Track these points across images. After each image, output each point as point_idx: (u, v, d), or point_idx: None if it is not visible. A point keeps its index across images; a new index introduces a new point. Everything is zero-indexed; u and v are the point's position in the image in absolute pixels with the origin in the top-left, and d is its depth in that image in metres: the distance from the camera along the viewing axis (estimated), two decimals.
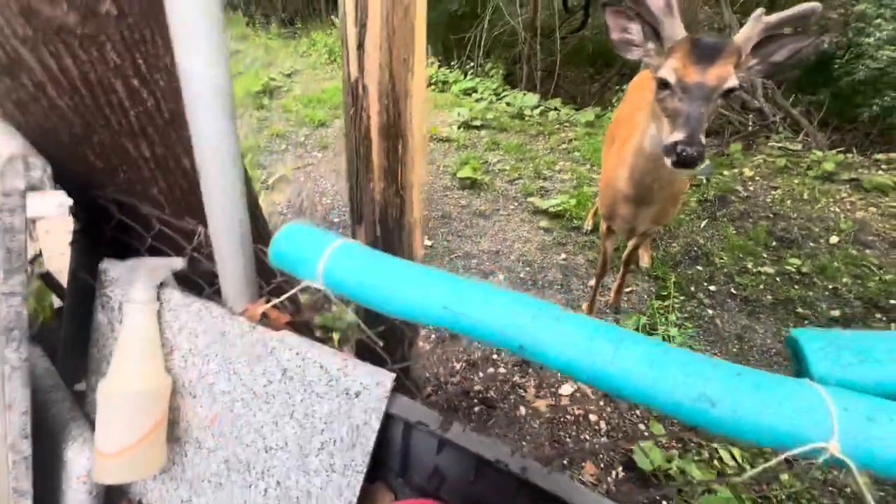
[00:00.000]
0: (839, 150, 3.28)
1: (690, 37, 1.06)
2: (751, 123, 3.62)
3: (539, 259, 2.49)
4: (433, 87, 4.65)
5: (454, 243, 2.62)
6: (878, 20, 3.93)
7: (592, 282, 2.12)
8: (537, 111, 4.14)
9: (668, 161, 1.03)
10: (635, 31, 1.15)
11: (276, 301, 0.65)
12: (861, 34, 3.96)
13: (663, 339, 1.99)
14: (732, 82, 1.01)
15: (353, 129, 1.15)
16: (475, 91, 4.56)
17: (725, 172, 3.09)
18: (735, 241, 2.50)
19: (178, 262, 0.69)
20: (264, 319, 0.68)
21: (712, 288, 2.27)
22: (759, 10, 1.04)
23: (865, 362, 0.47)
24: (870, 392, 0.47)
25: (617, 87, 4.69)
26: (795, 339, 0.50)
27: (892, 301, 2.10)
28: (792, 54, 1.03)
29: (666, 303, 2.18)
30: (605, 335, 0.49)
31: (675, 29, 1.09)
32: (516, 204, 2.93)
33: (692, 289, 2.27)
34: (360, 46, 1.03)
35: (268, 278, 0.68)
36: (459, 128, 3.77)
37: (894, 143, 3.66)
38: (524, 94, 4.35)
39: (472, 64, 5.04)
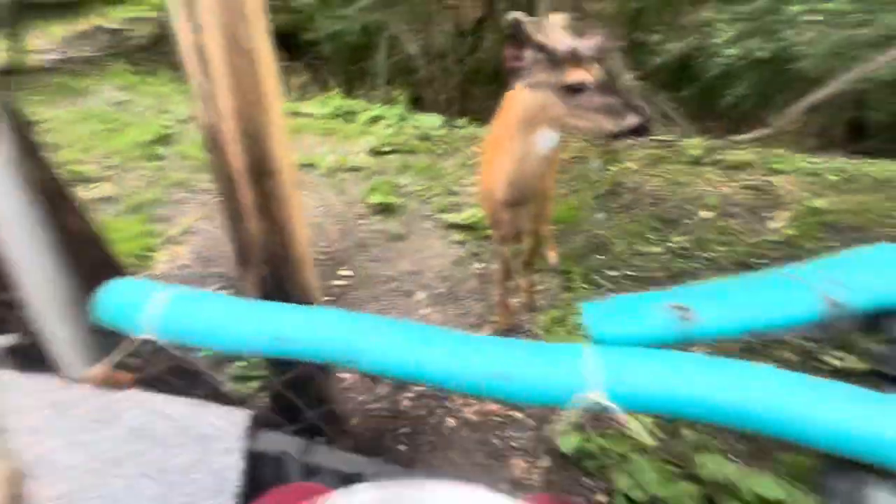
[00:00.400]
0: (706, 136, 3.74)
1: (577, 47, 1.25)
2: None
3: (456, 272, 2.58)
4: (340, 118, 4.69)
5: (373, 269, 2.65)
6: (720, 24, 4.57)
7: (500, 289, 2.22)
8: (443, 130, 4.31)
9: (627, 137, 1.23)
10: (528, 56, 1.32)
11: (102, 363, 0.64)
12: (709, 37, 4.58)
13: (571, 329, 2.13)
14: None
15: (218, 173, 1.16)
16: (383, 118, 4.67)
17: (612, 168, 3.40)
18: (627, 228, 2.76)
19: (4, 340, 0.66)
20: (109, 382, 0.66)
21: (612, 273, 2.47)
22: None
23: (632, 319, 0.57)
24: (637, 343, 0.56)
25: None
26: (583, 310, 0.59)
27: (754, 260, 2.41)
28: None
29: (574, 293, 2.35)
30: (412, 335, 0.55)
31: (566, 41, 1.27)
32: (430, 222, 3.02)
33: (595, 277, 2.46)
34: (210, 97, 1.05)
35: (108, 337, 0.67)
36: (368, 154, 3.83)
37: (748, 126, 4.22)
38: (428, 116, 4.51)
39: (376, 93, 5.16)
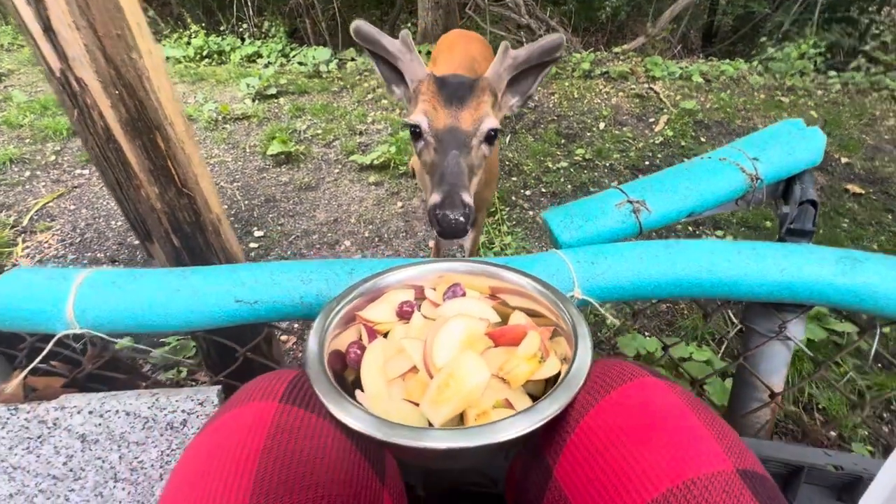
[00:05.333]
0: (591, 50, 3.91)
1: (435, 76, 0.91)
2: (523, 39, 4.04)
3: (378, 214, 2.51)
4: (208, 60, 4.05)
5: (288, 225, 2.47)
6: None
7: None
8: (333, 65, 3.95)
9: (434, 232, 0.83)
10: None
11: (26, 370, 0.53)
12: None
13: (500, 249, 2.25)
14: (491, 123, 0.85)
15: (89, 135, 0.95)
16: (260, 56, 4.12)
17: None
18: (535, 148, 2.87)
19: None
20: (32, 393, 0.56)
21: (528, 192, 2.60)
22: (505, 45, 0.91)
23: (589, 220, 0.60)
24: (597, 241, 0.61)
25: (407, 24, 4.71)
26: (545, 220, 0.61)
27: (646, 163, 2.68)
28: (539, 79, 0.95)
29: (496, 217, 2.44)
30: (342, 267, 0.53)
31: (416, 67, 0.94)
32: (340, 166, 2.85)
33: (513, 198, 2.56)
34: (48, 30, 0.82)
35: (14, 343, 0.55)
36: (254, 100, 3.41)
37: (626, 37, 4.48)
38: (315, 49, 4.08)
39: (245, 26, 4.49)
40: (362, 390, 0.44)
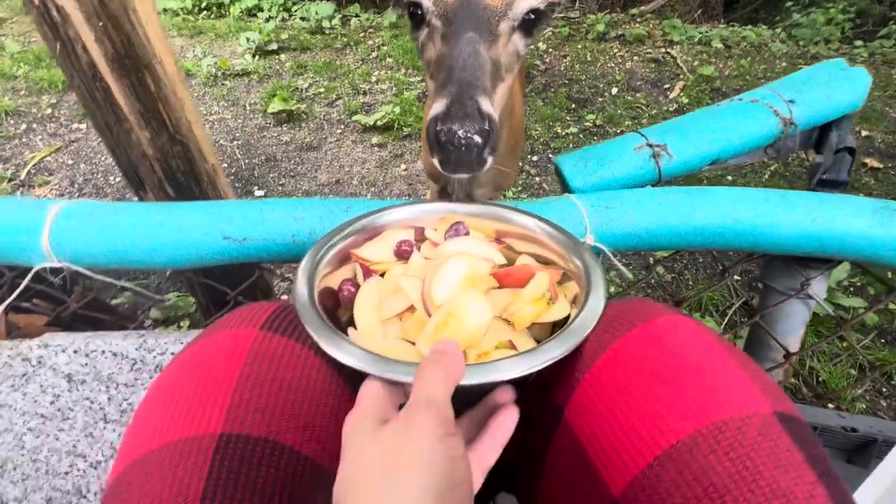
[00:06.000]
0: (606, 11, 3.72)
1: None
2: None
3: (381, 177, 2.45)
4: (206, 12, 3.90)
5: (290, 185, 2.42)
6: None
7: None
8: (336, 21, 3.79)
9: (434, 160, 0.53)
10: None
11: (5, 304, 0.50)
12: None
13: None
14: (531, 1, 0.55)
15: (74, 71, 0.90)
16: (260, 10, 3.96)
17: None
18: (544, 112, 2.77)
19: None
20: (15, 330, 0.53)
21: (535, 158, 2.52)
22: None
23: (604, 165, 0.56)
24: (612, 186, 0.56)
25: None
26: (557, 165, 0.57)
27: None
28: None
29: None
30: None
31: None
32: (343, 127, 2.77)
33: (520, 164, 2.49)
34: None
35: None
36: (254, 56, 3.29)
37: None
38: (318, 4, 3.91)
39: None
40: (355, 328, 0.41)
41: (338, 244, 0.44)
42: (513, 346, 0.40)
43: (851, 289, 1.77)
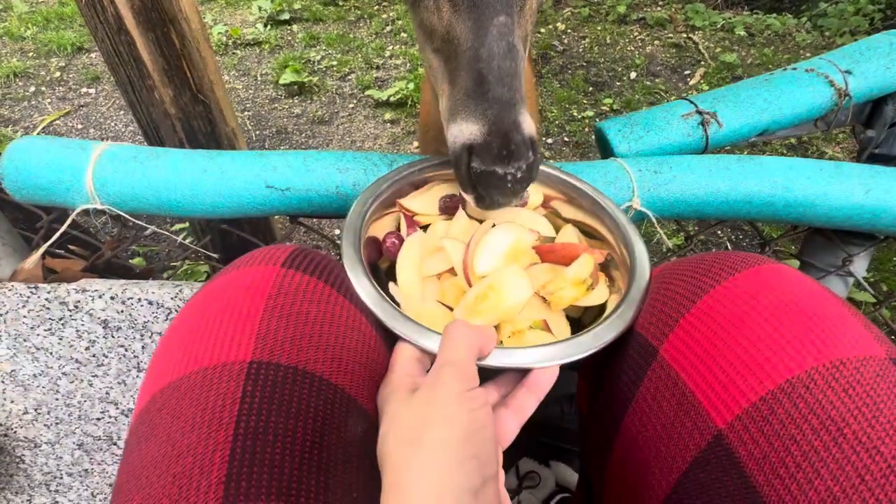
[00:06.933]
0: None
1: None
2: None
3: (392, 153, 2.43)
4: None
5: None
6: None
7: None
8: None
9: (468, 198, 0.43)
10: None
11: (45, 246, 0.50)
12: None
13: None
14: None
15: (99, 24, 0.88)
16: None
17: (542, 30, 3.23)
18: (560, 94, 2.72)
19: None
20: (52, 275, 0.53)
21: (549, 140, 2.49)
22: None
23: (651, 131, 0.55)
24: (657, 153, 0.55)
25: None
26: (600, 129, 0.55)
27: None
28: None
29: None
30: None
31: None
32: (355, 101, 2.73)
33: None
34: None
35: (34, 223, 0.52)
36: (266, 26, 3.23)
37: None
38: None
39: None
40: (395, 282, 0.41)
41: (387, 191, 0.44)
42: (547, 328, 0.40)
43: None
